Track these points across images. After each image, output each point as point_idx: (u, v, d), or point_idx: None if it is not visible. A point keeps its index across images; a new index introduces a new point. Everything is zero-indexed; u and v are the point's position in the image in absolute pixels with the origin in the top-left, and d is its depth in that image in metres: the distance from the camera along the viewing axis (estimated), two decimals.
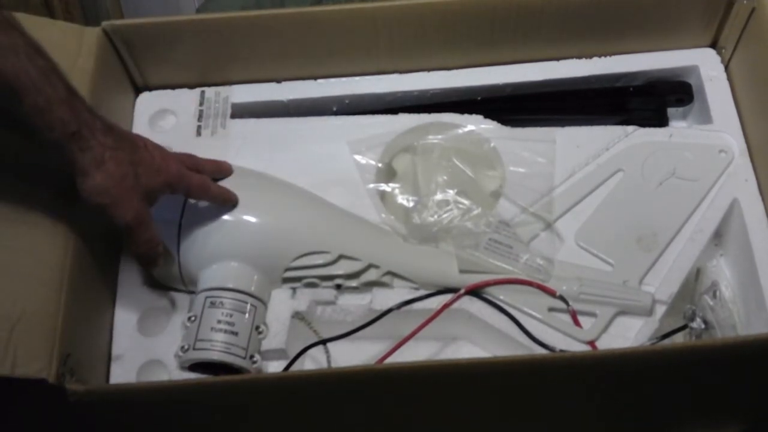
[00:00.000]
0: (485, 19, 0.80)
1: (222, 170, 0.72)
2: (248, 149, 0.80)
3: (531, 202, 0.76)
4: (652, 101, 0.83)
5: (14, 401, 0.64)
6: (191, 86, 0.84)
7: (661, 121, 0.83)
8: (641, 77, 0.84)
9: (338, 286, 0.72)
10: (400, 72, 0.84)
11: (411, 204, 0.76)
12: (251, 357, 0.68)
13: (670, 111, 0.84)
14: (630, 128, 0.80)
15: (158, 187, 0.64)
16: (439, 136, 0.81)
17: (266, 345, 0.70)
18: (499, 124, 0.81)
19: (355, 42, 0.81)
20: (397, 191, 0.77)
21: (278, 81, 0.84)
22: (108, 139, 0.60)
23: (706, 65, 0.83)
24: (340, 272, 0.71)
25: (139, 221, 0.63)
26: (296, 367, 0.71)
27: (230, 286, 0.69)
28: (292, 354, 0.71)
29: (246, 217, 0.71)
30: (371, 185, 0.78)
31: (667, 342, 0.70)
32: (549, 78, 0.83)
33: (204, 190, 0.69)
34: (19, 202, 0.65)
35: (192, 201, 0.71)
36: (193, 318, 0.69)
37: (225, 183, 0.72)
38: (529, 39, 0.82)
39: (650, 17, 0.81)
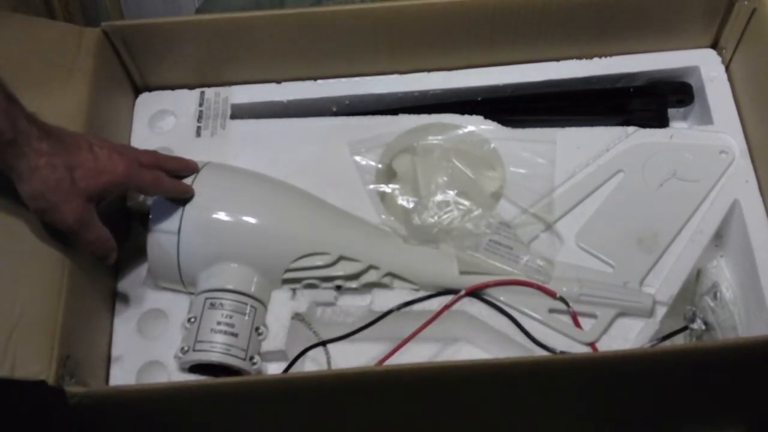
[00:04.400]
0: (485, 19, 0.80)
1: (186, 168, 0.72)
2: (248, 150, 0.80)
3: (531, 203, 0.76)
4: (652, 102, 0.83)
5: (14, 403, 0.64)
6: (191, 87, 0.84)
7: (662, 122, 0.83)
8: (642, 78, 0.84)
9: (338, 288, 0.72)
10: (400, 72, 0.84)
11: (411, 205, 0.76)
12: (251, 358, 0.68)
13: (671, 112, 0.84)
14: (630, 129, 0.80)
15: (101, 188, 0.65)
16: (439, 137, 0.80)
17: (266, 346, 0.70)
18: (499, 125, 0.81)
19: (355, 42, 0.81)
20: (397, 192, 0.77)
21: (278, 81, 0.84)
22: (43, 145, 0.61)
23: (706, 66, 0.83)
24: (340, 273, 0.71)
25: (81, 223, 0.64)
26: (296, 368, 0.70)
27: (230, 287, 0.69)
28: (292, 355, 0.71)
29: (246, 218, 0.71)
30: (371, 186, 0.78)
31: (667, 343, 0.70)
32: (549, 79, 0.83)
33: (157, 186, 0.69)
34: (18, 205, 0.65)
35: (191, 202, 0.70)
36: (192, 319, 0.69)
37: (223, 183, 0.72)
38: (529, 39, 0.82)
39: (651, 18, 0.81)
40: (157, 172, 0.69)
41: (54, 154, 0.62)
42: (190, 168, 0.73)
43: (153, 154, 0.71)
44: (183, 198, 0.70)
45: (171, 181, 0.70)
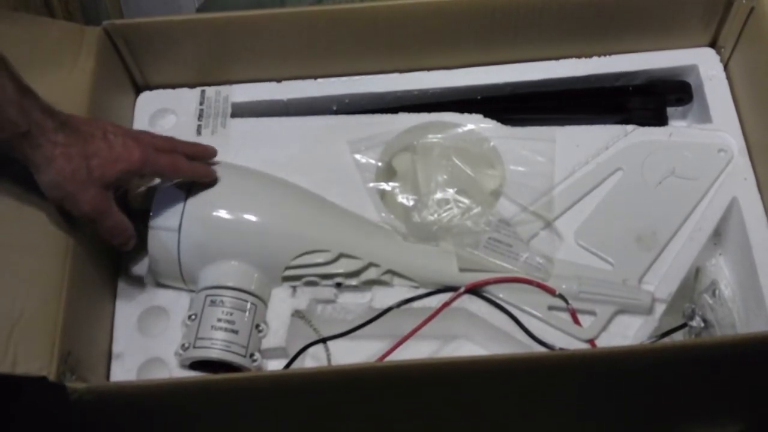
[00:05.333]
0: (485, 18, 0.80)
1: (205, 152, 0.73)
2: (248, 148, 0.80)
3: (531, 201, 0.76)
4: (651, 100, 0.83)
5: (15, 399, 0.64)
6: (191, 85, 0.85)
7: (661, 121, 0.83)
8: (641, 76, 0.84)
9: (338, 285, 0.72)
10: (400, 71, 0.84)
11: (411, 203, 0.76)
12: (251, 355, 0.68)
13: (670, 110, 0.84)
14: (629, 127, 0.80)
15: (117, 176, 0.65)
16: (439, 135, 0.81)
17: (266, 343, 0.70)
18: (498, 123, 0.81)
19: (355, 41, 0.81)
20: (397, 190, 0.78)
21: (278, 80, 0.84)
22: (58, 136, 0.62)
23: (705, 64, 0.83)
24: (340, 271, 0.71)
25: (98, 212, 0.65)
26: (296, 365, 0.71)
27: (230, 284, 0.70)
28: (292, 352, 0.71)
29: (246, 215, 0.71)
30: (371, 184, 0.78)
31: (666, 340, 0.70)
32: (549, 77, 0.83)
33: (175, 170, 0.70)
34: (19, 201, 0.65)
35: (192, 199, 0.71)
36: (193, 316, 0.69)
37: (224, 181, 0.73)
38: (528, 38, 0.82)
39: (650, 17, 0.81)
40: (175, 156, 0.70)
41: (69, 145, 0.62)
42: (209, 152, 0.73)
43: (170, 139, 0.72)
44: (203, 182, 0.71)
45: (189, 164, 0.70)
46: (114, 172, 0.65)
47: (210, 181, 0.71)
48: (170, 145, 0.71)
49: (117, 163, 0.65)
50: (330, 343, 0.72)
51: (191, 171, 0.70)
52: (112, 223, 0.67)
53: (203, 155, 0.73)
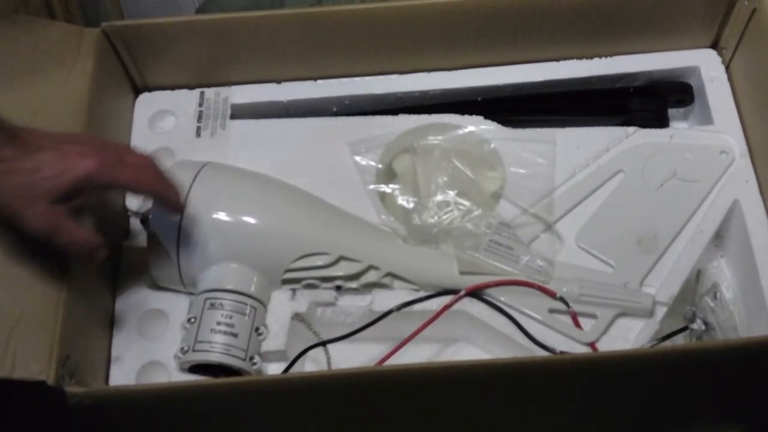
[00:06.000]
0: (485, 19, 0.80)
1: (167, 194, 0.68)
2: (248, 150, 0.80)
3: (531, 203, 0.76)
4: (652, 102, 0.83)
5: (13, 403, 0.64)
6: (191, 87, 0.84)
7: (662, 122, 0.83)
8: (642, 78, 0.84)
9: (338, 288, 0.72)
10: (400, 72, 0.84)
11: (411, 205, 0.76)
12: (251, 358, 0.68)
13: (671, 112, 0.84)
14: (630, 129, 0.80)
15: (66, 187, 0.60)
16: (440, 137, 0.80)
17: (266, 346, 0.70)
18: (499, 125, 0.81)
19: (355, 42, 0.81)
20: (397, 192, 0.77)
21: (278, 82, 0.84)
22: (6, 151, 0.58)
23: (706, 66, 0.83)
24: (340, 273, 0.71)
25: (51, 227, 0.60)
26: (296, 368, 0.70)
27: (230, 287, 0.69)
28: (292, 355, 0.71)
29: (246, 218, 0.71)
30: (371, 186, 0.78)
31: (667, 344, 0.70)
32: (549, 79, 0.83)
33: (137, 184, 0.65)
34: None
35: (191, 202, 0.70)
36: (192, 319, 0.69)
37: (223, 184, 0.72)
38: (529, 39, 0.82)
39: (651, 18, 0.81)
40: (142, 171, 0.65)
41: (15, 159, 0.58)
42: (172, 194, 0.68)
43: (147, 161, 0.66)
44: (166, 203, 0.67)
45: (154, 180, 0.66)
46: (63, 184, 0.60)
47: (175, 205, 0.68)
48: (143, 162, 0.66)
49: (65, 174, 0.60)
50: (330, 347, 0.72)
51: (155, 188, 0.66)
52: (68, 239, 0.62)
53: (166, 194, 0.67)
